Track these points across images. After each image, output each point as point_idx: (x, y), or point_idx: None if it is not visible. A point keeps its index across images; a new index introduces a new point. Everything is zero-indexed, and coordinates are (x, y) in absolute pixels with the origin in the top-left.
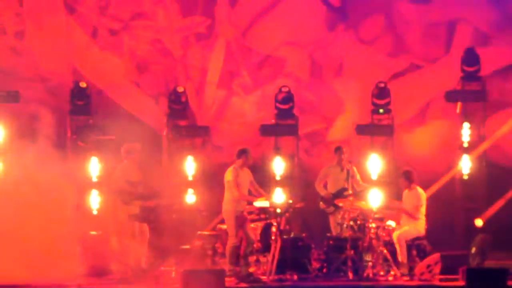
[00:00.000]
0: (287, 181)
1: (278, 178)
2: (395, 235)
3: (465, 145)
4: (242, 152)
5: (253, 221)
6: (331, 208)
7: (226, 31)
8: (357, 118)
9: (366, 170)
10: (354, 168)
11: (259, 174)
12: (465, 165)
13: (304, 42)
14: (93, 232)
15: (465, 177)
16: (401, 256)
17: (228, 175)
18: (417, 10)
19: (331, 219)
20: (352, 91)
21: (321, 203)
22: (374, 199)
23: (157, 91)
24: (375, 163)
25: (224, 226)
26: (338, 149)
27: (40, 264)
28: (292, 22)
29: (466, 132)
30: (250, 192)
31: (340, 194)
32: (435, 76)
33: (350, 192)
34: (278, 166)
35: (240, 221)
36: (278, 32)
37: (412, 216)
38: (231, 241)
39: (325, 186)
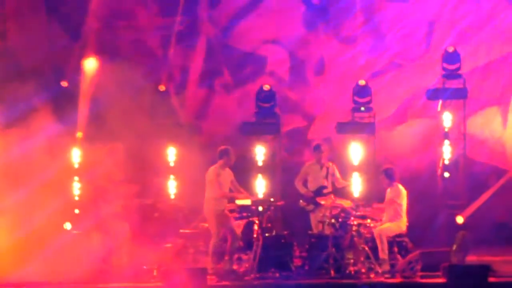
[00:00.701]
0: (268, 179)
1: (259, 176)
2: (376, 231)
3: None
4: (224, 152)
5: (235, 219)
6: (311, 206)
7: (207, 30)
8: (337, 117)
9: (347, 168)
10: (334, 166)
11: (240, 172)
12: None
13: (285, 41)
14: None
15: (446, 175)
16: (382, 253)
17: (210, 175)
18: (396, 9)
19: (312, 217)
20: (333, 89)
21: (300, 201)
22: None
23: (138, 90)
24: (356, 157)
25: (206, 224)
26: (317, 147)
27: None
28: (272, 21)
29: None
30: (231, 191)
31: (319, 192)
32: (415, 75)
33: (330, 190)
34: (259, 164)
35: (222, 219)
36: (259, 31)
37: (393, 214)
38: (213, 239)
39: (304, 184)
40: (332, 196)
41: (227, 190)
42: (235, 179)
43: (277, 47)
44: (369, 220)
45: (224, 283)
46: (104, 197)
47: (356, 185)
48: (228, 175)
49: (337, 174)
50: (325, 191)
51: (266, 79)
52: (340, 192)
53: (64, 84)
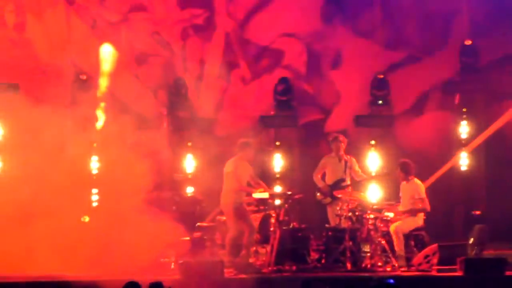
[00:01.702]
0: (286, 172)
1: (277, 169)
2: (392, 227)
3: (463, 140)
4: (245, 145)
5: (252, 212)
6: (328, 199)
7: (225, 23)
8: (354, 110)
9: (364, 161)
10: (353, 159)
11: (258, 165)
12: (463, 161)
13: (302, 34)
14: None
15: (464, 168)
16: (398, 249)
17: (228, 167)
18: (414, 2)
19: (329, 210)
20: (350, 82)
21: (318, 194)
22: (373, 193)
23: (156, 83)
24: (373, 154)
25: (223, 218)
26: (334, 139)
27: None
28: (289, 14)
29: (464, 129)
30: (249, 185)
31: (337, 185)
32: (432, 68)
33: (348, 183)
34: (277, 157)
35: (240, 213)
36: (276, 24)
37: (414, 212)
38: (231, 233)
39: (323, 177)
40: (350, 189)
41: (245, 183)
42: (254, 172)
43: (294, 40)
44: (386, 214)
45: (241, 276)
46: (123, 190)
47: (374, 180)
48: (247, 168)
49: (356, 168)
50: (343, 184)
51: (282, 72)
52: (359, 185)
53: (83, 77)
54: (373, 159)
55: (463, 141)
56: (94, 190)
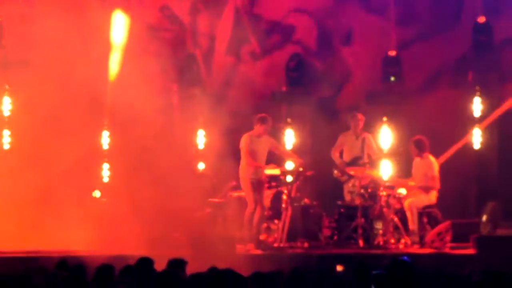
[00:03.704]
0: (297, 149)
1: (288, 146)
2: (406, 203)
3: (476, 118)
4: (261, 119)
5: (263, 189)
6: (345, 177)
7: None
8: (365, 86)
9: (376, 138)
10: (370, 137)
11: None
12: (476, 139)
13: (313, 10)
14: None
15: (476, 146)
16: (412, 224)
17: (242, 142)
18: None
19: (345, 188)
20: (361, 59)
21: (335, 171)
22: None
23: (166, 58)
24: (385, 131)
25: (234, 194)
26: (352, 117)
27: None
28: None
29: (477, 106)
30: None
31: (354, 163)
32: (444, 45)
33: (366, 161)
34: (289, 133)
35: (258, 187)
36: None
37: (425, 189)
38: (249, 208)
39: (341, 155)
40: (367, 167)
41: (261, 158)
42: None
43: (305, 16)
44: (398, 191)
45: (253, 252)
46: (135, 166)
47: (388, 157)
48: (265, 142)
49: (374, 145)
50: (360, 162)
51: (293, 47)
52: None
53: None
54: (385, 136)
55: (476, 119)
56: (106, 166)
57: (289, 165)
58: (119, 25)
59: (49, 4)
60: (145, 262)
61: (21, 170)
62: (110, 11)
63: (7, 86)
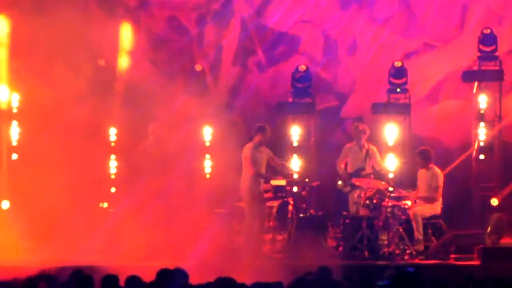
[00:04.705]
0: (303, 159)
1: (294, 156)
2: (411, 212)
3: (481, 127)
4: (260, 129)
5: (269, 199)
6: (348, 188)
7: (241, 9)
8: (369, 97)
9: (381, 148)
10: (374, 148)
11: (274, 151)
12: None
13: (319, 21)
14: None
15: (481, 157)
16: (417, 233)
17: (244, 152)
18: None
19: (350, 199)
20: (365, 69)
21: (339, 182)
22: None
23: (173, 68)
24: (391, 138)
25: (241, 204)
26: (356, 128)
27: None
28: (306, 0)
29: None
30: (272, 169)
31: (356, 173)
32: (449, 56)
33: (369, 172)
34: (294, 144)
35: (258, 198)
36: (293, 10)
37: (429, 199)
38: (247, 218)
39: (345, 166)
40: (371, 177)
41: (262, 168)
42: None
43: (311, 26)
44: (404, 202)
45: (258, 262)
46: (141, 176)
47: (391, 167)
48: (265, 152)
49: (377, 157)
50: (363, 173)
51: (299, 58)
52: (380, 174)
53: (101, 62)
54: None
55: (480, 129)
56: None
57: (295, 175)
58: (127, 36)
59: (56, 15)
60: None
61: (30, 179)
62: (118, 22)
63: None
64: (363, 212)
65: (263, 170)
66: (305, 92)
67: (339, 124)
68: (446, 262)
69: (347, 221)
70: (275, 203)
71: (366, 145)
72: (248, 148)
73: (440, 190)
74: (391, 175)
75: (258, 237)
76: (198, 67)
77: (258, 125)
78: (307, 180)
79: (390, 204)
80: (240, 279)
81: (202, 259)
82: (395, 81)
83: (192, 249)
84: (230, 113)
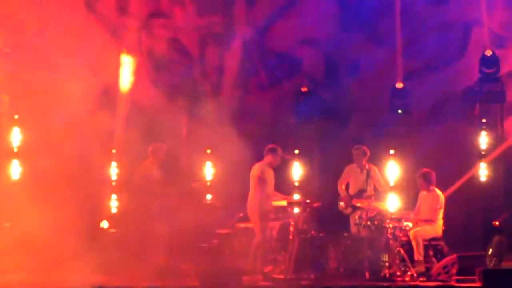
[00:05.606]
0: (304, 181)
1: (296, 177)
2: (412, 233)
3: (482, 150)
4: (272, 150)
5: (271, 220)
6: (349, 210)
7: (243, 31)
8: (371, 118)
9: (383, 171)
10: (375, 169)
11: (277, 173)
12: (482, 172)
13: (320, 42)
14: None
15: (483, 179)
16: (417, 254)
17: (255, 170)
18: (432, 11)
19: (351, 220)
20: (367, 90)
21: (340, 204)
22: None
23: (175, 90)
24: (392, 163)
25: (242, 225)
26: (356, 149)
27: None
28: (308, 22)
29: (483, 139)
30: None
31: (358, 195)
32: (451, 78)
33: (370, 193)
34: (296, 165)
35: (264, 218)
36: (294, 32)
37: (429, 222)
38: (257, 238)
39: (347, 187)
40: (372, 199)
41: (270, 188)
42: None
43: (312, 48)
44: (405, 223)
45: (259, 283)
46: (143, 197)
47: (394, 190)
48: (272, 174)
49: (379, 177)
50: (364, 194)
51: (301, 80)
52: (381, 195)
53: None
54: (392, 169)
55: (482, 151)
56: (114, 196)
57: (296, 196)
58: (128, 61)
59: (58, 37)
60: None
61: (31, 202)
62: (119, 44)
63: (16, 117)
64: (364, 233)
65: (271, 190)
66: (306, 112)
67: (341, 145)
68: (447, 284)
69: (348, 242)
70: (276, 224)
71: (366, 166)
72: (258, 166)
73: (439, 212)
74: (392, 197)
75: (263, 257)
76: (200, 88)
77: (269, 146)
78: (308, 201)
79: (391, 225)
80: None
81: (203, 280)
82: (396, 102)
83: (193, 270)
84: (231, 134)
